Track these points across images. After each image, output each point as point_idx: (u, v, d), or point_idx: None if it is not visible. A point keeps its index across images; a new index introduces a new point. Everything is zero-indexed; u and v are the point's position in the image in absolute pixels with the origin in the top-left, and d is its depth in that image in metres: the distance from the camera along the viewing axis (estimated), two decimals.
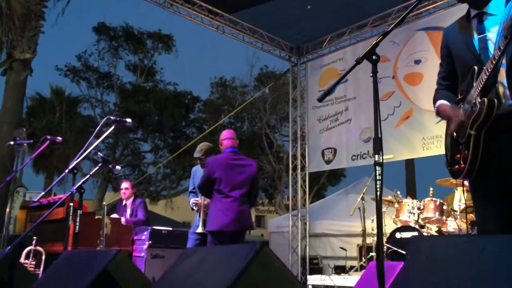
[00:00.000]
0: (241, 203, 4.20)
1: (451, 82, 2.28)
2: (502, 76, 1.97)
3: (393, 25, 2.12)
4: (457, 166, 2.09)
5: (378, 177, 1.82)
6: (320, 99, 2.07)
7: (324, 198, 13.24)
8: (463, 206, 5.53)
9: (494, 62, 1.88)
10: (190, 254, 2.48)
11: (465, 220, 5.49)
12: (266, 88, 15.56)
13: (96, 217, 5.07)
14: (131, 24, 18.71)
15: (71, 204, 3.61)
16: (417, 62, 7.30)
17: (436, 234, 5.59)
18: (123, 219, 5.56)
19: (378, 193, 1.81)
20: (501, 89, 1.96)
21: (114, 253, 2.47)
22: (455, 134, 2.12)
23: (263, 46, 9.06)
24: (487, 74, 1.92)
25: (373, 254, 6.28)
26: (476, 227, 5.17)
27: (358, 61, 1.94)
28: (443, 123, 2.30)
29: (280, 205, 17.96)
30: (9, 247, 3.47)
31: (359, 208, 6.68)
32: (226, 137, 4.47)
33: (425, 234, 5.46)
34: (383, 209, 6.08)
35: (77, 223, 3.40)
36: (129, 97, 17.94)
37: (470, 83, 2.05)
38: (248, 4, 7.78)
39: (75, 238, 3.53)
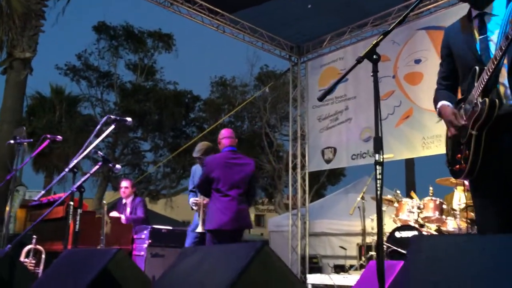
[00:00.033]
0: (239, 202, 4.22)
1: (452, 82, 2.28)
2: (504, 77, 1.97)
3: (394, 24, 2.12)
4: (458, 166, 2.09)
5: (378, 176, 1.82)
6: (321, 98, 2.07)
7: (324, 197, 13.24)
8: (462, 205, 5.54)
9: (495, 62, 1.88)
10: (190, 253, 2.48)
11: (464, 219, 5.50)
12: (266, 88, 15.56)
13: (96, 216, 5.08)
14: (131, 23, 18.74)
15: (71, 203, 3.61)
16: (418, 61, 7.30)
17: (436, 233, 5.59)
18: (123, 217, 5.57)
19: (379, 192, 1.81)
20: (502, 90, 1.96)
21: (114, 252, 2.46)
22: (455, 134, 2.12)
23: (263, 46, 9.06)
24: (489, 74, 1.92)
25: (373, 253, 6.28)
26: (475, 226, 5.18)
27: (359, 60, 1.94)
28: (443, 123, 2.30)
29: (280, 204, 17.96)
30: (9, 245, 3.47)
31: (358, 207, 6.68)
32: (224, 136, 4.48)
33: (424, 233, 5.46)
34: (383, 208, 6.07)
35: (77, 222, 3.40)
36: (129, 96, 17.94)
37: (471, 83, 2.05)
38: (249, 4, 7.78)
39: (75, 237, 3.53)
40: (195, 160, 5.15)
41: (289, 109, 10.39)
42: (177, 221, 18.03)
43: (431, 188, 5.89)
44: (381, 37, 1.97)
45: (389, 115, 7.44)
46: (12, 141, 4.39)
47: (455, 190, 5.93)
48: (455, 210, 5.63)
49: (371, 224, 6.59)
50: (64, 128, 16.96)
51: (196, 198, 4.70)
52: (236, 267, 1.85)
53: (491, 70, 1.91)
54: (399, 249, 5.34)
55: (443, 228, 5.64)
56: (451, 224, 5.59)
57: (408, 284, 1.62)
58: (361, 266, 6.58)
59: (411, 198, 6.17)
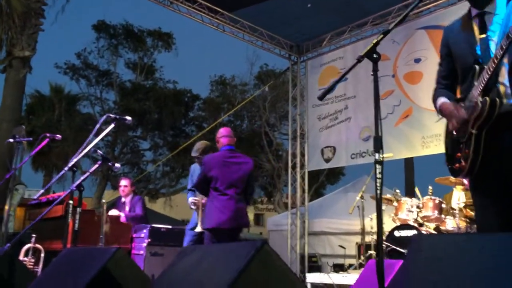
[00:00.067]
0: (237, 201, 4.23)
1: (451, 81, 2.28)
2: (504, 76, 1.96)
3: (394, 23, 2.11)
4: (457, 165, 2.09)
5: (378, 175, 1.82)
6: (321, 98, 2.07)
7: (323, 196, 13.24)
8: (462, 204, 5.55)
9: (496, 62, 1.88)
10: (189, 252, 2.47)
11: (463, 219, 5.51)
12: (266, 87, 15.56)
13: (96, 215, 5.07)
14: (131, 22, 18.72)
15: (71, 201, 3.61)
16: (417, 60, 7.30)
17: (435, 232, 5.60)
18: (122, 215, 5.57)
19: (378, 191, 1.81)
20: (502, 89, 1.96)
21: (113, 250, 2.46)
22: (455, 132, 2.12)
23: (263, 45, 9.05)
24: (489, 73, 1.92)
25: (372, 252, 6.28)
26: (474, 225, 5.19)
27: (359, 60, 1.94)
28: (443, 122, 2.30)
29: (279, 203, 17.97)
30: (8, 244, 3.46)
31: (358, 207, 6.68)
32: (222, 134, 4.48)
33: (424, 232, 5.47)
34: (383, 208, 6.07)
35: (77, 221, 3.39)
36: (128, 95, 17.94)
37: (471, 82, 2.04)
38: (248, 3, 7.78)
39: (74, 236, 3.53)
40: (194, 159, 5.16)
41: (289, 108, 10.38)
42: (176, 220, 18.03)
43: (430, 187, 5.89)
44: (381, 36, 1.97)
45: (389, 114, 7.44)
46: (11, 140, 4.38)
47: (454, 189, 5.93)
48: (454, 209, 5.63)
49: (370, 223, 6.59)
50: (64, 127, 16.96)
51: (195, 198, 4.70)
52: (236, 266, 1.85)
53: (491, 69, 1.90)
54: (398, 248, 5.34)
55: (442, 227, 5.64)
56: (450, 223, 5.59)
57: (408, 283, 1.63)
58: (360, 265, 6.58)
59: (414, 194, 6.16)
